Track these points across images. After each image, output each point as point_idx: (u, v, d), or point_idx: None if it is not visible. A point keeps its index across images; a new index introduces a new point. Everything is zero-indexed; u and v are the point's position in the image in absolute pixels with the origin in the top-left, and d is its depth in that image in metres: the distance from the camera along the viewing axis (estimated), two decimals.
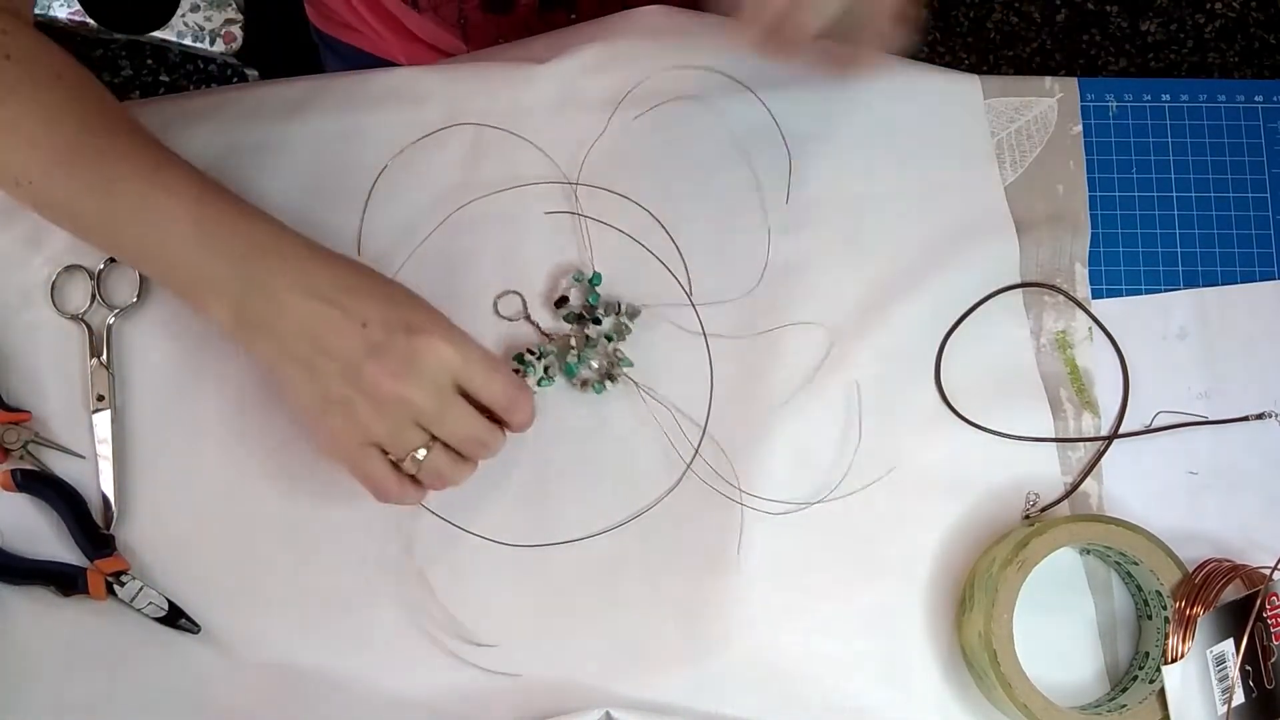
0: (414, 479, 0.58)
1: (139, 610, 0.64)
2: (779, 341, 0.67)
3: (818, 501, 0.66)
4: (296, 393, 0.57)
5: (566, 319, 0.67)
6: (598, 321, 0.66)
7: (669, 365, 0.67)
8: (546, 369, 0.66)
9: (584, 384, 0.66)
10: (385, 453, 0.57)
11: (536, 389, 0.66)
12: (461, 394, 0.57)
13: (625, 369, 0.66)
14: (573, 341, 0.66)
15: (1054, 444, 0.67)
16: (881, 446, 0.67)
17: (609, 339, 0.66)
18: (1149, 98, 0.72)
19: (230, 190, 0.59)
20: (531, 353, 0.66)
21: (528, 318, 0.67)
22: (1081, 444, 0.68)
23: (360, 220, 0.68)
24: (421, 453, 0.57)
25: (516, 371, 0.65)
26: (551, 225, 0.68)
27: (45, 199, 0.58)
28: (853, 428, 0.67)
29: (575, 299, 0.67)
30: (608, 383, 0.66)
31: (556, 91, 0.69)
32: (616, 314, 0.67)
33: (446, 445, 0.57)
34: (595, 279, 0.67)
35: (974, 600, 0.63)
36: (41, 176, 0.56)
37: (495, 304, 0.67)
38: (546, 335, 0.67)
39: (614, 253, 0.68)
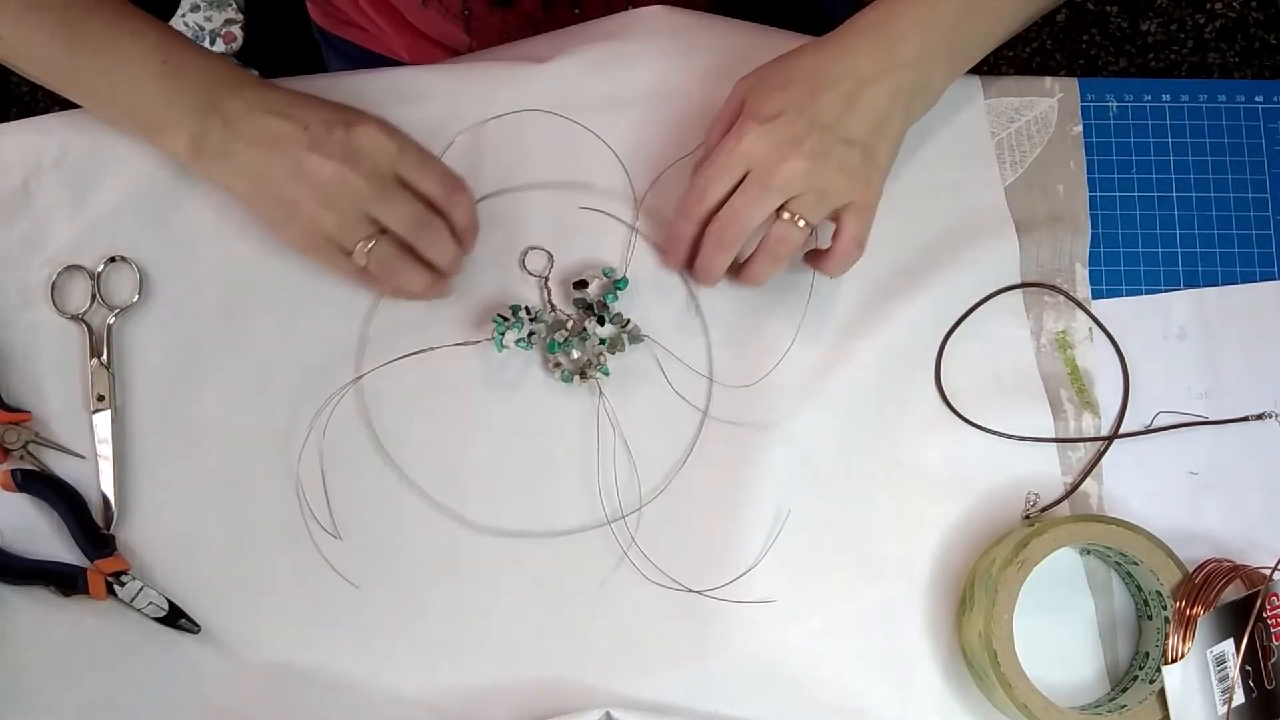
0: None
1: (139, 610, 0.64)
2: (775, 343, 0.67)
3: (818, 502, 0.66)
4: (256, 207, 0.62)
5: (576, 303, 0.67)
6: (602, 322, 0.66)
7: (642, 389, 0.67)
8: (531, 334, 0.66)
9: (555, 365, 0.66)
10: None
11: (513, 346, 0.66)
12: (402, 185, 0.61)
13: (600, 374, 0.66)
14: (569, 324, 0.66)
15: (1054, 444, 0.67)
16: (882, 446, 0.67)
17: (602, 341, 0.66)
18: (1149, 98, 0.72)
19: (193, 41, 0.63)
20: (527, 311, 0.66)
21: (546, 280, 0.67)
22: (1081, 444, 0.68)
23: None
24: (367, 245, 0.60)
25: (504, 319, 0.65)
26: (601, 223, 0.69)
27: (14, 50, 0.61)
28: (853, 427, 0.67)
29: (594, 290, 0.67)
30: (577, 378, 0.66)
31: (557, 91, 0.69)
32: (622, 326, 0.67)
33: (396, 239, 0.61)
34: (622, 283, 0.67)
35: (974, 600, 0.63)
36: (10, 29, 0.60)
37: (523, 257, 0.68)
38: (552, 305, 0.67)
39: (649, 273, 0.68)
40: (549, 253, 0.68)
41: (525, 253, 0.68)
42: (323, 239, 0.61)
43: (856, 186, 0.61)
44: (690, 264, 0.65)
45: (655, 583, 0.65)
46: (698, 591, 0.64)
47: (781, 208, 0.61)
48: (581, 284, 0.67)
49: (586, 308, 0.67)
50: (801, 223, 0.61)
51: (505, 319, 0.65)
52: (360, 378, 0.66)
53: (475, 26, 0.76)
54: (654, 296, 0.68)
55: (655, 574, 0.65)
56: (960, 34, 0.62)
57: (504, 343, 0.65)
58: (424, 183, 0.61)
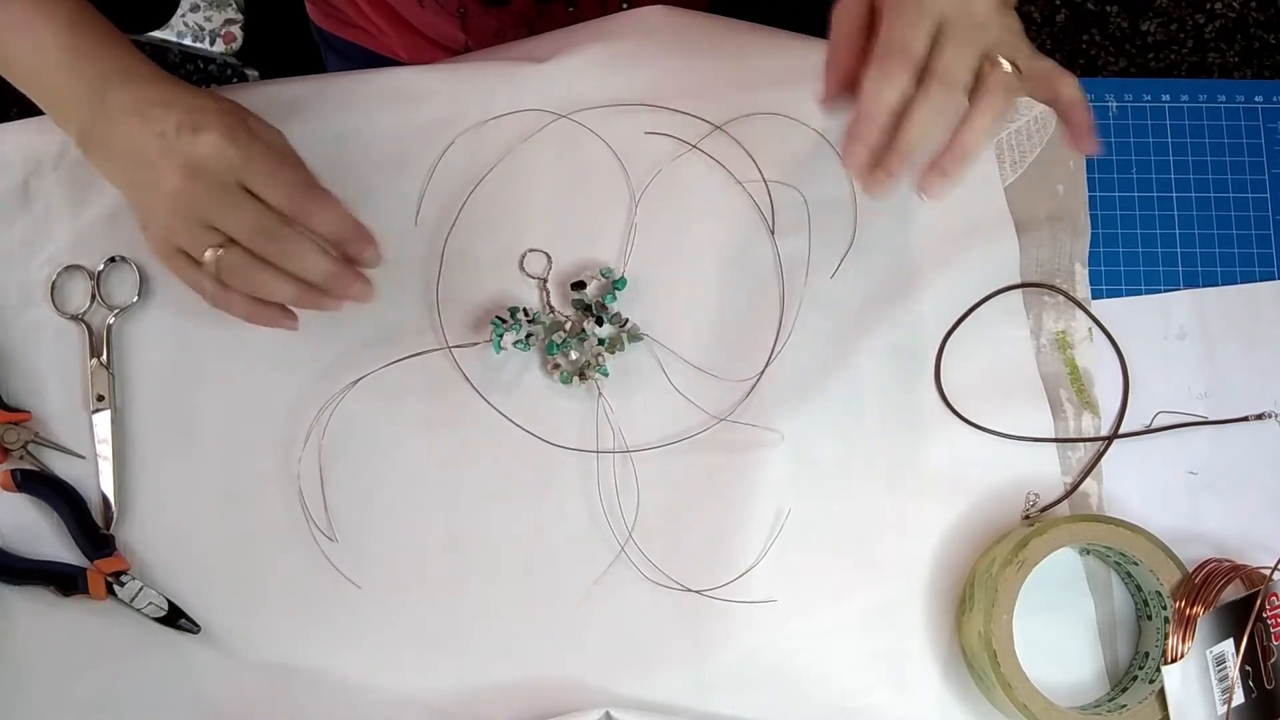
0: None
1: (139, 610, 0.64)
2: (773, 342, 0.67)
3: (818, 501, 0.66)
4: (129, 202, 0.60)
5: (575, 304, 0.67)
6: (600, 322, 0.66)
7: (643, 389, 0.67)
8: (529, 336, 0.66)
9: (555, 367, 0.66)
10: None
11: (511, 348, 0.66)
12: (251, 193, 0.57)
13: (599, 375, 0.66)
14: (568, 326, 0.66)
15: (1054, 444, 0.67)
16: (881, 446, 0.67)
17: (601, 342, 0.66)
18: (1149, 98, 0.72)
19: (108, 23, 0.61)
20: (525, 313, 0.66)
21: (544, 282, 0.67)
22: (1081, 444, 0.68)
23: (420, 195, 0.69)
24: (214, 253, 0.57)
25: (502, 322, 0.65)
26: (604, 219, 0.69)
27: None
28: (853, 427, 0.67)
29: (592, 291, 0.67)
30: (576, 379, 0.66)
31: (557, 91, 0.69)
32: (620, 326, 0.67)
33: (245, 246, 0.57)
34: (620, 283, 0.67)
35: (974, 600, 0.63)
36: None
37: (522, 259, 0.68)
38: (550, 307, 0.67)
39: (646, 268, 0.68)
40: (548, 254, 0.68)
41: (524, 255, 0.68)
42: (173, 249, 0.58)
43: (1013, 29, 0.53)
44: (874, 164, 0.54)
45: (655, 582, 0.65)
46: (696, 591, 0.64)
47: (985, 57, 0.52)
48: (579, 285, 0.67)
49: (585, 308, 0.67)
50: (1009, 67, 0.51)
51: (503, 321, 0.65)
52: (358, 381, 0.66)
53: (471, 25, 0.76)
54: (653, 296, 0.68)
55: (655, 574, 0.65)
56: None
57: (502, 344, 0.65)
58: (268, 193, 0.56)
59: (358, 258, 0.59)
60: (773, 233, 0.68)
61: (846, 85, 0.54)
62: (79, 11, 0.60)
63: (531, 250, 0.68)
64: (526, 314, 0.66)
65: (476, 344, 0.67)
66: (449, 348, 0.67)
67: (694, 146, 0.69)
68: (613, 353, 0.66)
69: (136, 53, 0.60)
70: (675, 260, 0.68)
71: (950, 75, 0.51)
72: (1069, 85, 0.54)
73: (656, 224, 0.68)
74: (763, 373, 0.66)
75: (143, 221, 0.59)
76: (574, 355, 0.66)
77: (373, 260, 0.60)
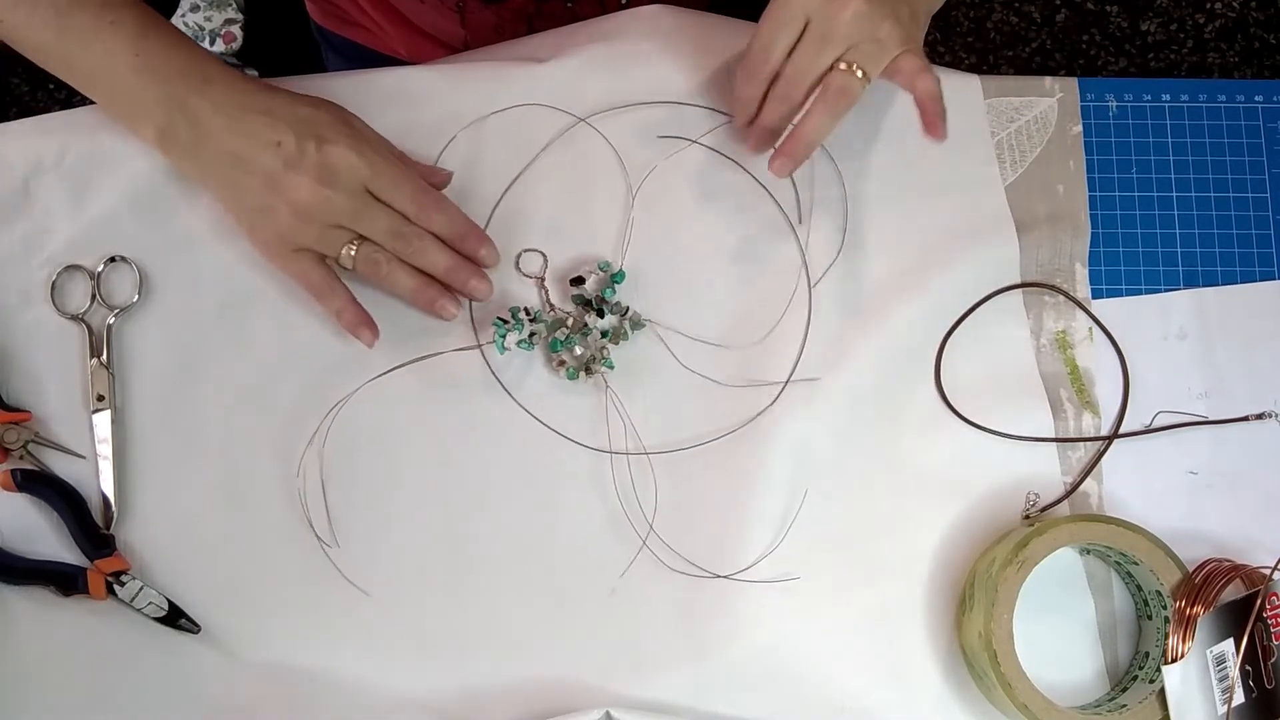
0: (338, 279, 0.64)
1: (139, 610, 0.64)
2: (771, 346, 0.67)
3: (819, 501, 0.66)
4: (225, 204, 0.64)
5: (575, 299, 0.67)
6: (601, 315, 0.66)
7: (647, 379, 0.67)
8: (533, 335, 0.66)
9: (560, 364, 0.66)
10: (319, 255, 0.63)
11: (515, 348, 0.66)
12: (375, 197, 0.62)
13: (605, 368, 0.66)
14: (570, 322, 0.66)
15: (1054, 444, 0.67)
16: (881, 446, 0.67)
17: (604, 334, 0.66)
18: (1149, 98, 0.72)
19: (173, 26, 0.63)
20: (527, 312, 0.66)
21: (542, 281, 0.67)
22: (1081, 444, 0.68)
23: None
24: (351, 249, 0.62)
25: (504, 322, 0.65)
26: (601, 215, 0.69)
27: (14, 34, 0.63)
28: (853, 427, 0.67)
29: (591, 286, 0.67)
30: (583, 374, 0.66)
31: (557, 90, 0.69)
32: (622, 315, 0.67)
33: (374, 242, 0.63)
34: (618, 276, 0.67)
35: (974, 600, 0.63)
36: (9, 12, 0.62)
37: (518, 259, 0.68)
38: (551, 305, 0.67)
39: (644, 260, 0.68)
40: (543, 254, 0.68)
41: (519, 255, 0.68)
42: (293, 247, 0.63)
43: (907, 37, 0.60)
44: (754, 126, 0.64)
45: (679, 571, 0.65)
46: (723, 576, 0.64)
47: (838, 60, 0.60)
48: (579, 280, 0.67)
49: (585, 303, 0.67)
50: (860, 73, 0.60)
51: (505, 322, 0.65)
52: (360, 388, 0.66)
53: (470, 20, 0.76)
54: (653, 290, 0.68)
55: (672, 564, 0.65)
56: None
57: (505, 345, 0.65)
58: (397, 200, 0.62)
59: (473, 255, 0.65)
60: (795, 226, 0.68)
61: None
62: (146, 16, 0.62)
63: (526, 250, 0.68)
64: (528, 313, 0.66)
65: (480, 346, 0.67)
66: (452, 351, 0.67)
67: (694, 141, 0.69)
68: (616, 343, 0.66)
69: (205, 54, 0.63)
70: (673, 254, 0.68)
71: (792, 76, 0.60)
72: (926, 81, 0.61)
73: (654, 218, 0.68)
74: (790, 378, 0.66)
75: (249, 223, 0.63)
76: (578, 350, 0.66)
77: (489, 259, 0.65)
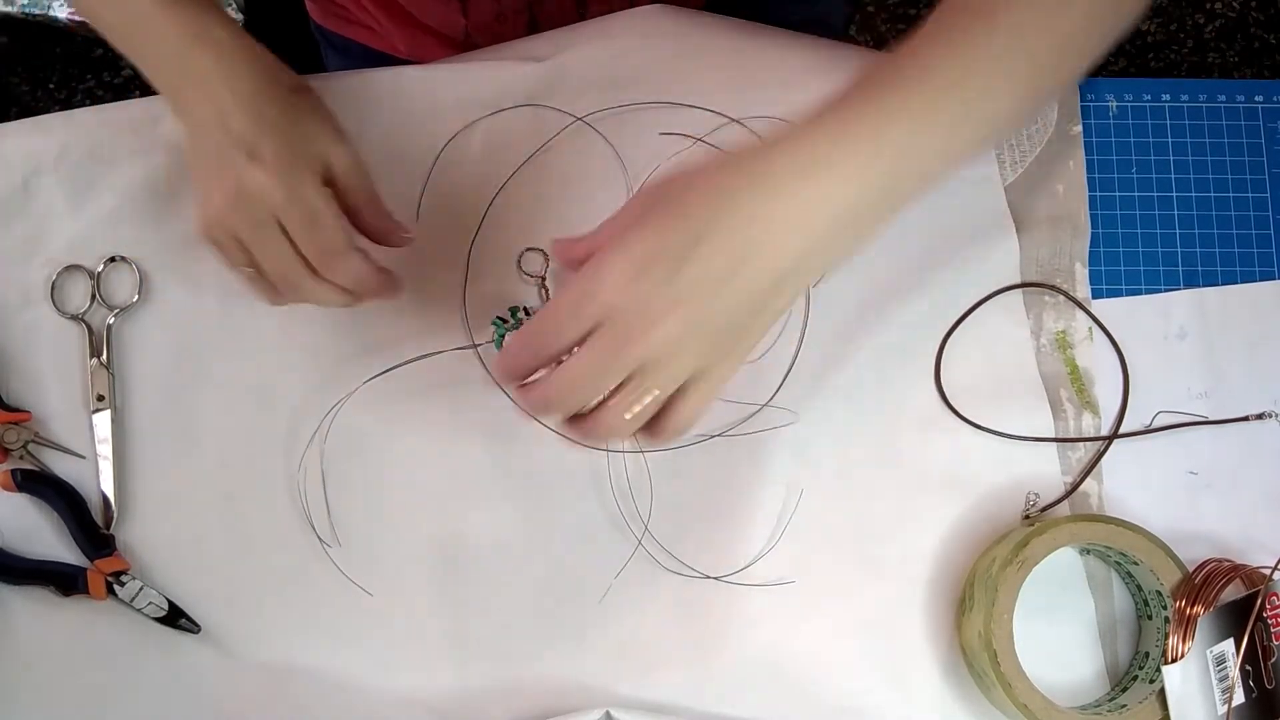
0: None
1: (139, 610, 0.64)
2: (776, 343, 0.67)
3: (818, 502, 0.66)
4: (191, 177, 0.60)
5: None
6: None
7: None
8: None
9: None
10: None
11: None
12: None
13: None
14: None
15: (1054, 444, 0.67)
16: (882, 446, 0.67)
17: None
18: (1149, 98, 0.72)
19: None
20: (526, 311, 0.66)
21: (543, 280, 0.67)
22: (1081, 444, 0.68)
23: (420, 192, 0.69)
24: (245, 270, 0.58)
25: (503, 321, 0.65)
26: (602, 213, 0.68)
27: (83, 10, 0.63)
28: (853, 427, 0.67)
29: None
30: None
31: (557, 90, 0.69)
32: None
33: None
34: None
35: (974, 600, 0.63)
36: None
37: (519, 258, 0.67)
38: None
39: None
40: (544, 253, 0.68)
41: (521, 254, 0.68)
42: (211, 238, 0.59)
43: (721, 362, 0.50)
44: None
45: (674, 572, 0.65)
46: (715, 577, 0.64)
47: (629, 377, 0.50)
48: None
49: None
50: (649, 398, 0.49)
51: (504, 320, 0.65)
52: (358, 389, 0.66)
53: (471, 9, 0.76)
54: None
55: (668, 565, 0.65)
56: (912, 172, 0.50)
57: (504, 344, 0.65)
58: (299, 243, 0.57)
59: (373, 297, 0.60)
60: None
61: None
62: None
63: (529, 249, 0.68)
64: (527, 312, 0.66)
65: (479, 345, 0.67)
66: (451, 350, 0.67)
67: (699, 139, 0.69)
68: None
69: (221, 15, 0.60)
70: None
71: (571, 383, 0.50)
72: (681, 419, 0.51)
73: None
74: (786, 376, 0.66)
75: (195, 198, 0.59)
76: None
77: (387, 295, 0.60)
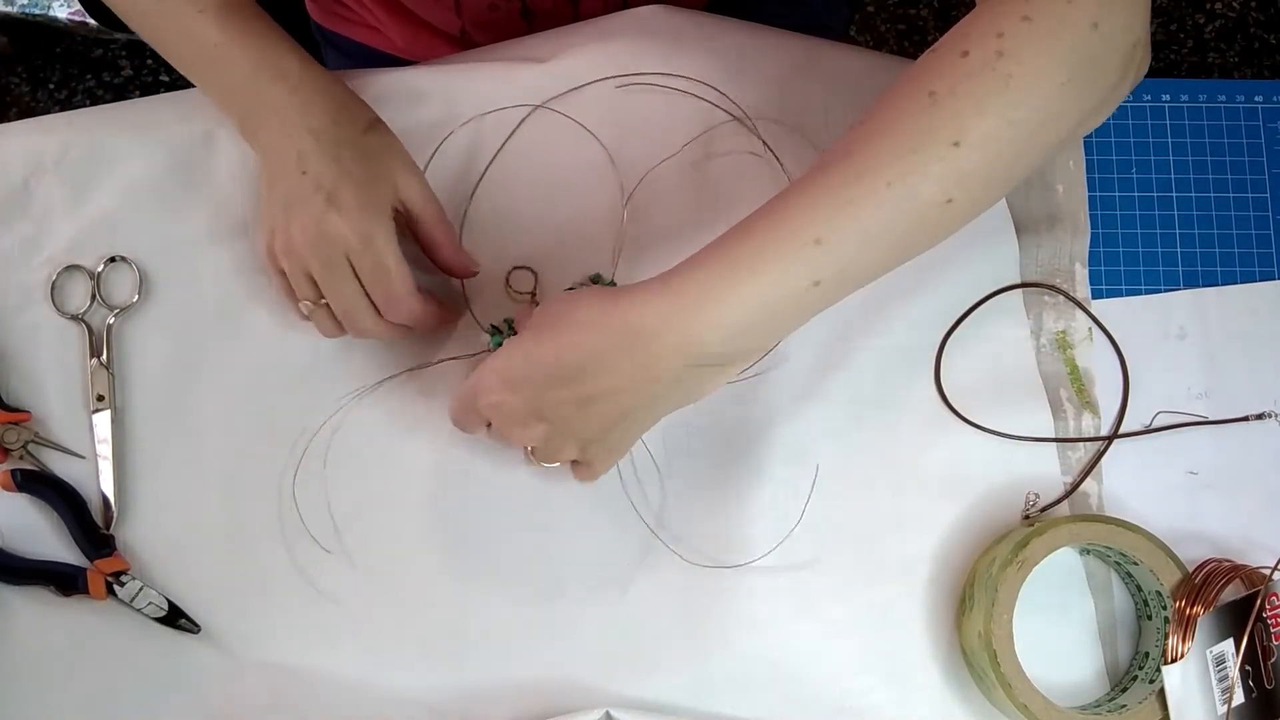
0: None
1: (139, 610, 0.64)
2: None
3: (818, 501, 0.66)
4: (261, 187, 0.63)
5: None
6: None
7: None
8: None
9: None
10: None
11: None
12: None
13: None
14: None
15: (1054, 444, 0.67)
16: (881, 446, 0.67)
17: None
18: (1149, 98, 0.72)
19: (258, 11, 0.63)
20: (510, 326, 0.65)
21: (533, 297, 0.66)
22: (1081, 444, 0.68)
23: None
24: (308, 305, 0.62)
25: (498, 331, 0.64)
26: (592, 228, 0.68)
27: (150, 38, 0.65)
28: (853, 427, 0.67)
29: None
30: None
31: (556, 90, 0.69)
32: None
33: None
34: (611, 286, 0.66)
35: (974, 600, 0.63)
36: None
37: (508, 277, 0.67)
38: None
39: (640, 273, 0.67)
40: (533, 271, 0.67)
41: (510, 273, 0.67)
42: (275, 267, 0.62)
43: (604, 452, 0.58)
44: None
45: (686, 560, 0.65)
46: (733, 566, 0.64)
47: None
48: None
49: None
50: (553, 464, 0.59)
51: (499, 330, 0.65)
52: (360, 390, 0.66)
53: (465, 7, 0.76)
54: None
55: (673, 562, 0.65)
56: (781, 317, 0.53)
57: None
58: (370, 287, 0.60)
59: (429, 328, 0.64)
60: None
61: None
62: (227, 2, 0.62)
63: (517, 268, 0.68)
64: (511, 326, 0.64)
65: (475, 354, 0.66)
66: (445, 360, 0.66)
67: (682, 150, 0.69)
68: None
69: (290, 45, 0.62)
70: (669, 260, 0.68)
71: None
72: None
73: (647, 225, 0.68)
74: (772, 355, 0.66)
75: (263, 223, 0.62)
76: None
77: (439, 326, 0.65)
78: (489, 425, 0.59)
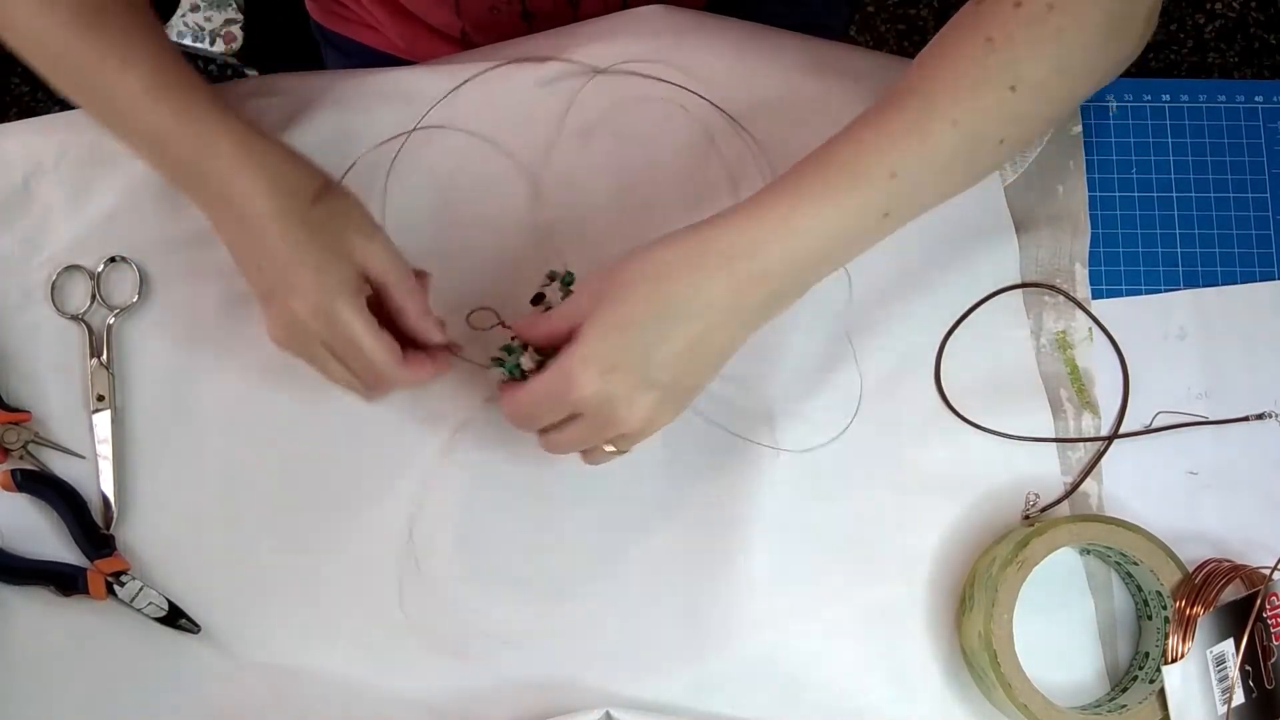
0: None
1: (139, 610, 0.64)
2: (774, 347, 0.67)
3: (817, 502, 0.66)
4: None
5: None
6: None
7: None
8: (519, 366, 0.61)
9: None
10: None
11: (511, 377, 0.61)
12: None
13: None
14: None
15: (1054, 444, 0.67)
16: (881, 446, 0.67)
17: None
18: (1149, 98, 0.72)
19: (189, 79, 0.59)
20: (526, 347, 0.63)
21: (502, 323, 0.64)
22: (1081, 444, 0.68)
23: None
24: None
25: (500, 361, 0.61)
26: (529, 234, 0.68)
27: (103, 124, 0.61)
28: (853, 427, 0.67)
29: (552, 298, 0.63)
30: None
31: (555, 90, 0.69)
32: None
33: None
34: (568, 278, 0.64)
35: (974, 600, 0.63)
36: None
37: (469, 317, 0.64)
38: (524, 345, 0.61)
39: (588, 257, 0.67)
40: (494, 310, 0.64)
41: (470, 314, 0.64)
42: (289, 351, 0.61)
43: (679, 412, 0.58)
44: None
45: (732, 433, 0.65)
46: (788, 449, 0.65)
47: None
48: (539, 298, 0.64)
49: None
50: (615, 451, 0.59)
51: (502, 360, 0.61)
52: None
53: (465, 7, 0.76)
54: None
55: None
56: (832, 254, 0.56)
57: (520, 366, 0.61)
58: (350, 364, 0.60)
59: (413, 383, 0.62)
60: None
61: None
62: (155, 74, 0.58)
63: (480, 309, 0.64)
64: (510, 351, 0.61)
65: (488, 366, 0.64)
66: (459, 360, 0.66)
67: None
68: None
69: (229, 125, 0.58)
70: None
71: (557, 445, 0.59)
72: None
73: (644, 228, 0.68)
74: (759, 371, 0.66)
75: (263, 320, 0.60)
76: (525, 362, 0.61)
77: (422, 381, 0.62)
78: (541, 432, 0.58)
